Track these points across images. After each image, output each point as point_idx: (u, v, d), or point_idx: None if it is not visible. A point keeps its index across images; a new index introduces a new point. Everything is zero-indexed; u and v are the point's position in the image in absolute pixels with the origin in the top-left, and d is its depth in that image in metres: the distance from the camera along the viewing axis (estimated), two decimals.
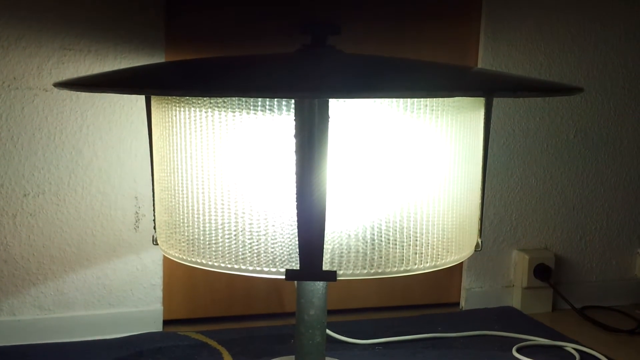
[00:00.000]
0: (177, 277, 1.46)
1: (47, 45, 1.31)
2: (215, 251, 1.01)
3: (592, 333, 1.52)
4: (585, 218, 1.67)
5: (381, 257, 1.00)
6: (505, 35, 1.55)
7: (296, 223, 0.97)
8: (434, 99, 1.00)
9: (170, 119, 1.04)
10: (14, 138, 1.32)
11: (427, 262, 1.03)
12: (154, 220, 1.13)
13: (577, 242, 1.67)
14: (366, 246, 1.00)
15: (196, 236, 1.03)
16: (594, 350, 1.38)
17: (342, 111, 0.97)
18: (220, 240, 1.01)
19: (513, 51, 1.56)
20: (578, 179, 1.65)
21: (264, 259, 1.00)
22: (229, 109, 0.98)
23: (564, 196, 1.65)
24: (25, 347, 1.33)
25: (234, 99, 0.98)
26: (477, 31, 1.55)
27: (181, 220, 1.04)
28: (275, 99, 0.97)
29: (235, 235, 1.00)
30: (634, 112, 1.67)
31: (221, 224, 1.00)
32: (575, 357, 1.36)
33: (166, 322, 1.45)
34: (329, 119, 0.94)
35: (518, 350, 1.37)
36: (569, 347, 1.40)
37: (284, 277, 0.99)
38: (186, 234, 1.04)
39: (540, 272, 1.62)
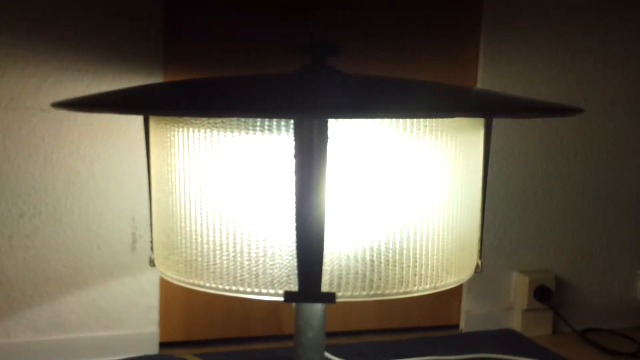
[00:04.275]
0: (174, 299, 1.45)
1: (45, 65, 1.30)
2: (213, 273, 1.00)
3: (594, 356, 1.51)
4: (586, 239, 1.66)
5: (380, 279, 0.99)
6: (505, 56, 1.55)
7: (295, 244, 0.96)
8: (434, 119, 1.00)
9: (168, 139, 1.03)
10: (10, 158, 1.31)
11: (426, 284, 1.02)
12: (151, 241, 1.12)
13: (578, 264, 1.66)
14: (365, 268, 0.99)
15: (194, 257, 1.02)
16: None
17: (341, 131, 0.96)
18: (218, 261, 1.00)
19: (512, 72, 1.56)
20: (578, 200, 1.65)
21: (263, 281, 0.99)
22: (228, 129, 0.98)
23: (565, 217, 1.64)
24: None
25: (232, 119, 0.97)
26: (476, 52, 1.55)
27: (179, 242, 1.03)
28: (275, 119, 0.96)
29: (233, 256, 0.99)
30: (634, 133, 1.66)
31: (219, 245, 1.00)
32: None
33: (162, 345, 1.43)
34: (328, 139, 0.94)
35: None
36: None
37: (282, 299, 0.98)
38: (184, 255, 1.03)
39: (541, 294, 1.60)
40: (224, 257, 1.00)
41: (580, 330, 1.62)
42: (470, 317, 1.61)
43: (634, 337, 1.62)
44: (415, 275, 1.01)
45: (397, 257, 1.00)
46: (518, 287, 1.62)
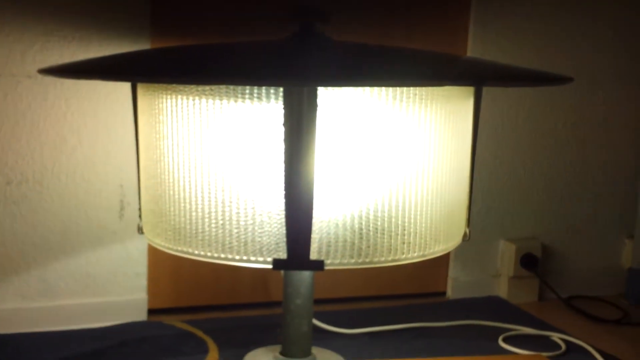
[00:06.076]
0: (162, 266, 1.45)
1: (31, 31, 1.29)
2: (201, 240, 1.00)
3: (579, 323, 1.53)
4: (573, 208, 1.67)
5: (369, 247, 1.00)
6: (495, 25, 1.55)
7: (284, 212, 0.96)
8: (423, 88, 0.99)
9: (156, 107, 1.03)
10: None
11: (415, 252, 1.03)
12: (139, 208, 1.12)
13: (564, 232, 1.68)
14: (354, 236, 0.99)
15: (182, 225, 1.02)
16: (580, 340, 1.39)
17: (330, 99, 0.96)
18: (207, 229, 1.00)
19: (502, 40, 1.56)
20: (566, 169, 1.65)
21: (251, 248, 0.99)
22: (217, 97, 0.97)
23: (552, 186, 1.65)
24: (7, 336, 1.31)
25: (221, 86, 0.97)
26: (466, 20, 1.54)
27: (167, 209, 1.03)
28: (264, 87, 0.96)
29: (222, 224, 0.99)
30: (622, 102, 1.66)
31: (208, 213, 0.99)
32: (561, 347, 1.36)
33: (151, 311, 1.44)
34: (318, 107, 0.94)
35: (504, 340, 1.37)
36: (555, 336, 1.40)
37: (271, 266, 0.98)
38: (172, 222, 1.03)
39: (527, 261, 1.62)
40: (213, 225, 0.99)
41: (566, 298, 1.63)
42: (457, 284, 1.62)
43: (618, 304, 1.63)
44: (404, 243, 1.01)
45: (386, 225, 1.00)
46: (505, 255, 1.63)
